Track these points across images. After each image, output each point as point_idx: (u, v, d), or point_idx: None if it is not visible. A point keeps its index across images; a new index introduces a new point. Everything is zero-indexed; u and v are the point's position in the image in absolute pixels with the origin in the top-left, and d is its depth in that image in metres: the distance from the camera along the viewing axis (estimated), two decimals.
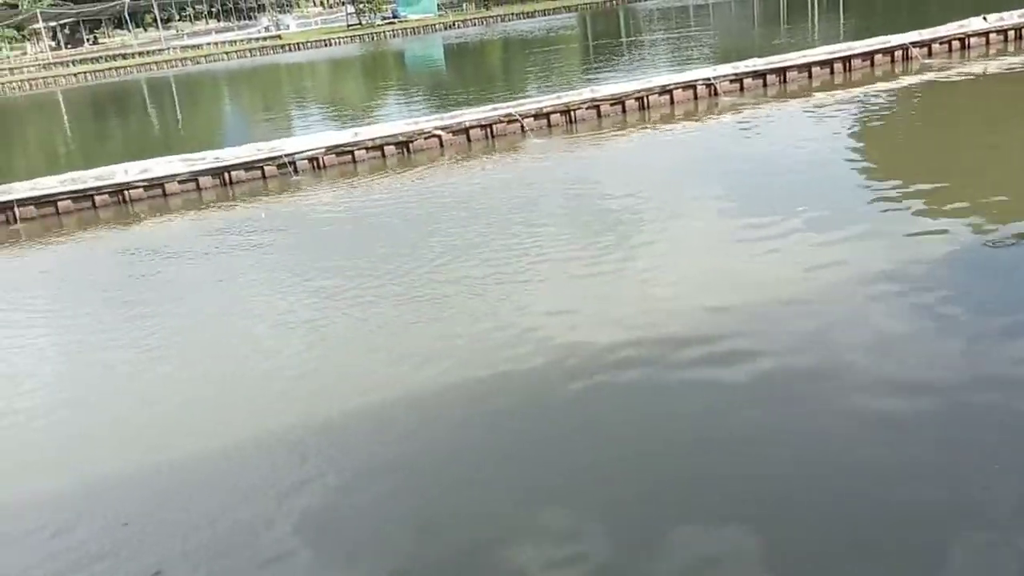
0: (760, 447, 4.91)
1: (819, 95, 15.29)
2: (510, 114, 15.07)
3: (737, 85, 16.31)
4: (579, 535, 4.35)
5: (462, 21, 60.42)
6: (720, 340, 6.16)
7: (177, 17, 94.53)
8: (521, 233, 9.16)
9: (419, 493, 4.88)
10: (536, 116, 15.19)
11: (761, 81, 16.47)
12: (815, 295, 6.73)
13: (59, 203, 13.27)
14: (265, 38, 64.92)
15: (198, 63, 54.72)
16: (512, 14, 60.82)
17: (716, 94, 16.02)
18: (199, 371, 6.95)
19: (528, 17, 58.95)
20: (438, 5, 69.74)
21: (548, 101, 15.47)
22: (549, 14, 59.07)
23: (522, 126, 15.00)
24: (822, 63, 16.87)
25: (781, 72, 16.56)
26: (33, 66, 62.04)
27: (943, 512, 4.22)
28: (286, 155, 14.13)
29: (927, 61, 17.15)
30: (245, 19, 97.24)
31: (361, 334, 7.14)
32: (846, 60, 17.00)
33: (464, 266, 8.33)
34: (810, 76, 16.72)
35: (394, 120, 16.97)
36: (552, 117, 15.30)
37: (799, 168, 10.42)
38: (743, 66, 16.45)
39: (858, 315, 6.35)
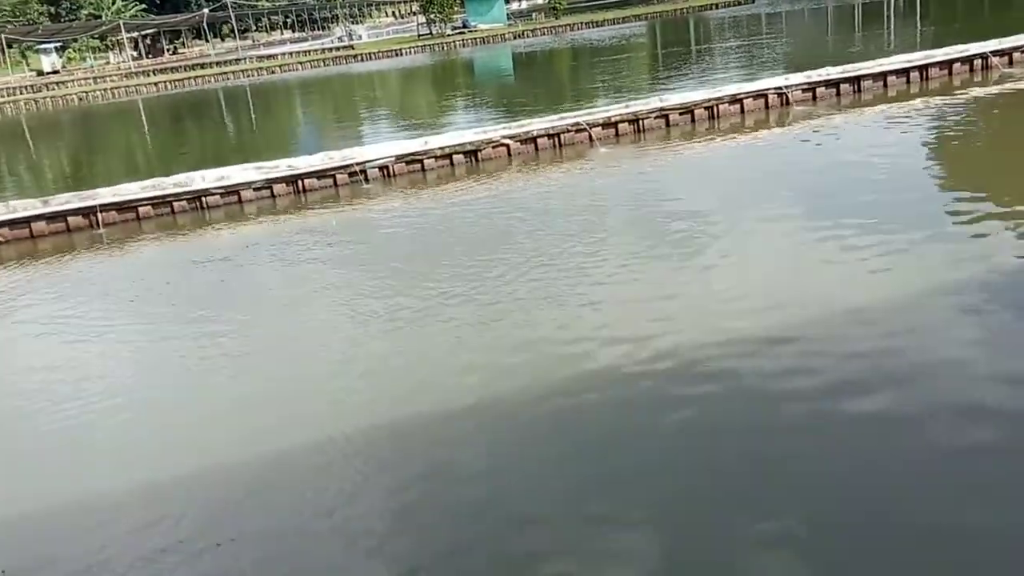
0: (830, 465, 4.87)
1: (894, 105, 14.97)
2: (578, 123, 15.10)
3: (810, 94, 16.08)
4: (650, 533, 4.37)
5: (531, 30, 60.60)
6: (792, 357, 6.11)
7: (254, 28, 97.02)
8: (591, 243, 9.19)
9: (505, 496, 4.98)
10: (604, 125, 15.19)
11: (834, 90, 16.21)
12: (890, 311, 6.62)
13: (140, 208, 13.73)
14: (338, 48, 66.10)
15: (273, 72, 55.94)
16: (581, 23, 60.85)
17: (788, 103, 15.82)
18: (280, 374, 7.11)
19: (597, 26, 58.87)
20: (508, 15, 70.23)
21: (616, 110, 15.46)
22: (619, 23, 58.91)
23: (590, 135, 15.03)
24: (898, 72, 16.53)
25: (855, 81, 16.27)
26: (115, 75, 64.34)
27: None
28: (357, 164, 14.39)
29: (1008, 71, 16.67)
30: (319, 30, 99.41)
31: (437, 341, 7.22)
32: (923, 69, 16.63)
33: (534, 277, 8.37)
34: (885, 85, 16.40)
35: (463, 129, 17.17)
36: (620, 126, 15.28)
37: (872, 180, 10.23)
38: (816, 75, 16.20)
39: (934, 332, 6.23)
